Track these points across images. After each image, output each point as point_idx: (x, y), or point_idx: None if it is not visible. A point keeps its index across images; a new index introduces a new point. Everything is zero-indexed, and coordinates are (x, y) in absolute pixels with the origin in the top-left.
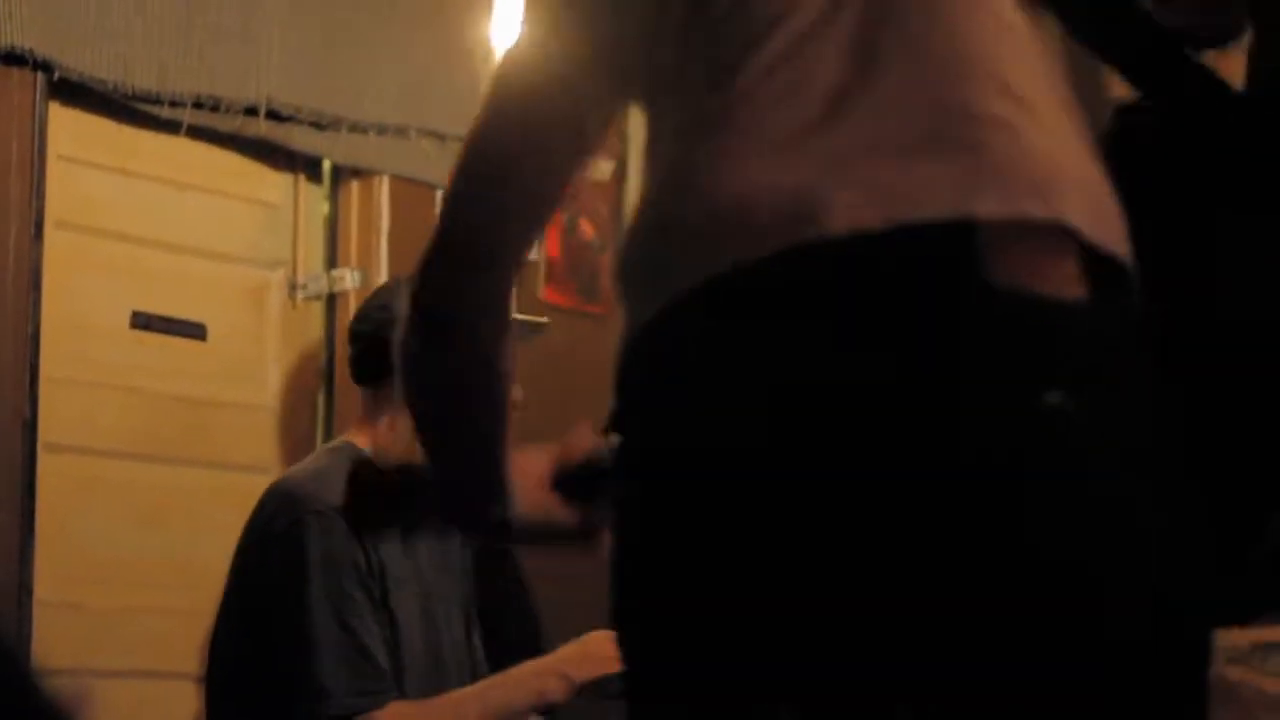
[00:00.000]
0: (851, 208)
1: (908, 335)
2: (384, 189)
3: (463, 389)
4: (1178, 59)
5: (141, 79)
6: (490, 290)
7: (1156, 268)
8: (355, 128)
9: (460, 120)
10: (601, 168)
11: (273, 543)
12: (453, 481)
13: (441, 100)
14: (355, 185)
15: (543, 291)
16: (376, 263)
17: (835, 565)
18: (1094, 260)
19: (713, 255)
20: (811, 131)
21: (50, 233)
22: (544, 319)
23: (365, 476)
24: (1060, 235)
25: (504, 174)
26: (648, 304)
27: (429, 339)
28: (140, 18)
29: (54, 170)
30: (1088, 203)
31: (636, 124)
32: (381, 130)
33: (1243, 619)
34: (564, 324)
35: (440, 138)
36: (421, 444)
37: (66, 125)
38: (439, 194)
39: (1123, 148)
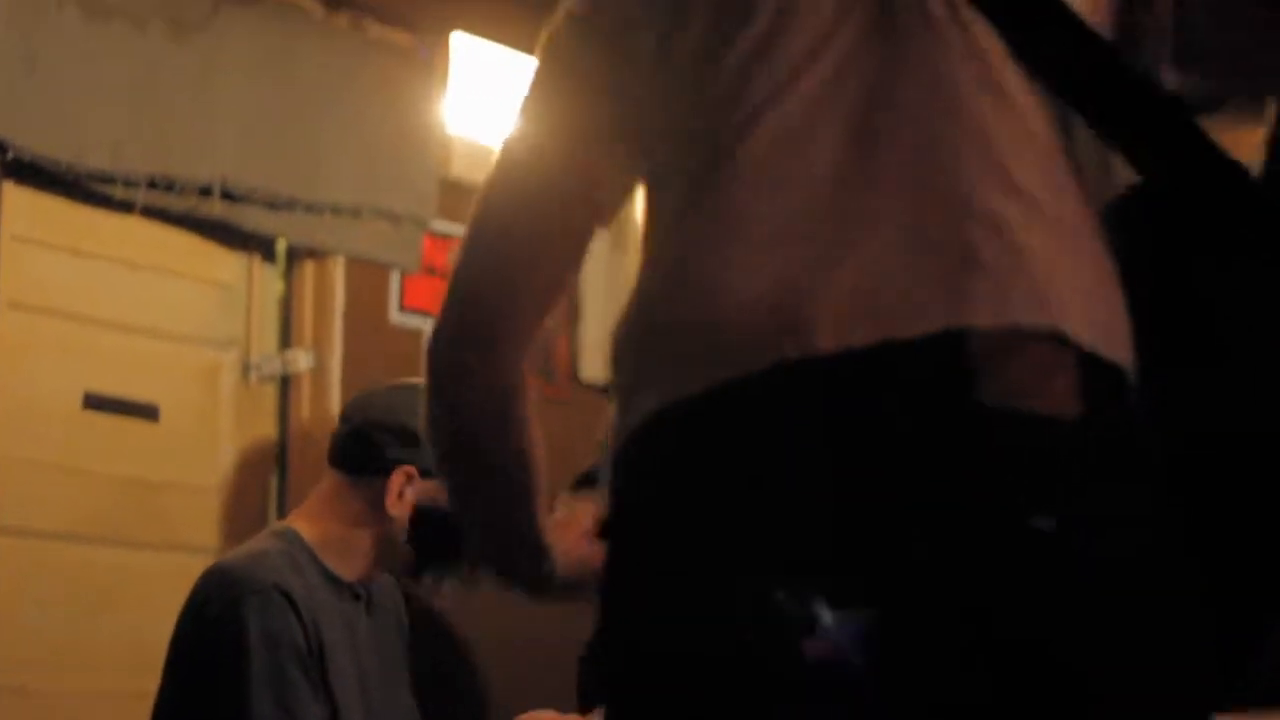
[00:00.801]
0: (839, 322)
1: (894, 462)
2: (338, 270)
3: (482, 456)
4: (1185, 136)
5: (95, 159)
6: (499, 365)
7: (1158, 355)
8: (310, 208)
9: (414, 201)
10: None
11: (211, 624)
12: (489, 543)
13: (396, 181)
14: (310, 266)
15: None
16: (330, 343)
17: (819, 697)
18: (1092, 368)
19: (701, 364)
20: (804, 227)
21: (2, 313)
22: None
23: (428, 515)
24: (1057, 345)
25: (504, 266)
26: (638, 402)
27: (444, 410)
28: (94, 98)
29: (7, 250)
30: (1087, 307)
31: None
32: (336, 211)
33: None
34: None
35: (394, 219)
36: (455, 507)
37: (20, 205)
38: (393, 274)
39: (1128, 232)
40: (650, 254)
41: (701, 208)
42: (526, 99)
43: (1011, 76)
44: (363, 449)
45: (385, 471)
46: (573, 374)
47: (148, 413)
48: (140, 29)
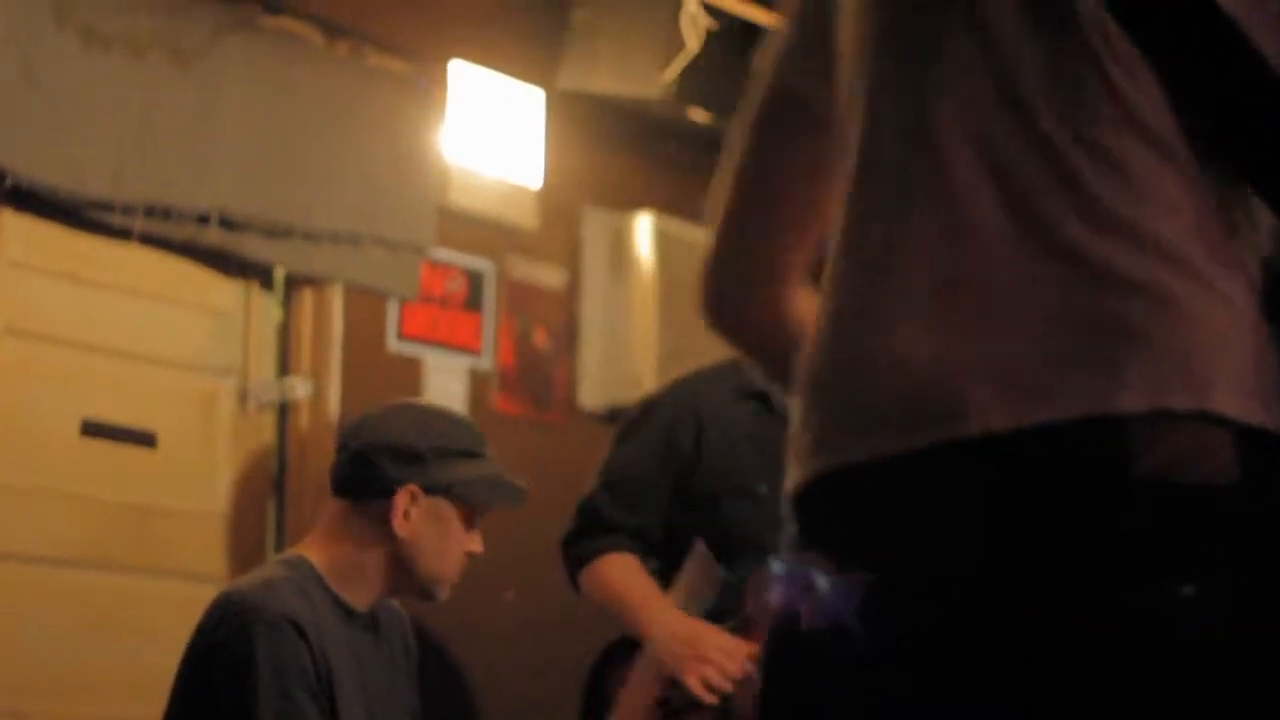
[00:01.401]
0: (990, 405)
1: (1043, 541)
2: (336, 297)
3: (774, 361)
4: None
5: (94, 186)
6: (766, 294)
7: None
8: (308, 236)
9: (413, 229)
10: (556, 276)
11: (220, 650)
12: None
13: (394, 210)
14: (308, 293)
15: (495, 400)
16: (329, 371)
17: None
18: (1249, 440)
19: (862, 433)
20: (964, 293)
21: (0, 339)
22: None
23: None
24: (1211, 423)
25: (758, 204)
26: (807, 455)
27: (725, 333)
28: (94, 126)
29: (4, 277)
30: (1243, 377)
31: (591, 232)
32: (334, 239)
33: None
34: (516, 433)
35: (393, 247)
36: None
37: (18, 232)
38: (391, 302)
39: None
40: (826, 286)
41: (867, 254)
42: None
43: (1168, 121)
44: (364, 473)
45: (388, 493)
46: (570, 401)
47: (146, 440)
48: (140, 57)
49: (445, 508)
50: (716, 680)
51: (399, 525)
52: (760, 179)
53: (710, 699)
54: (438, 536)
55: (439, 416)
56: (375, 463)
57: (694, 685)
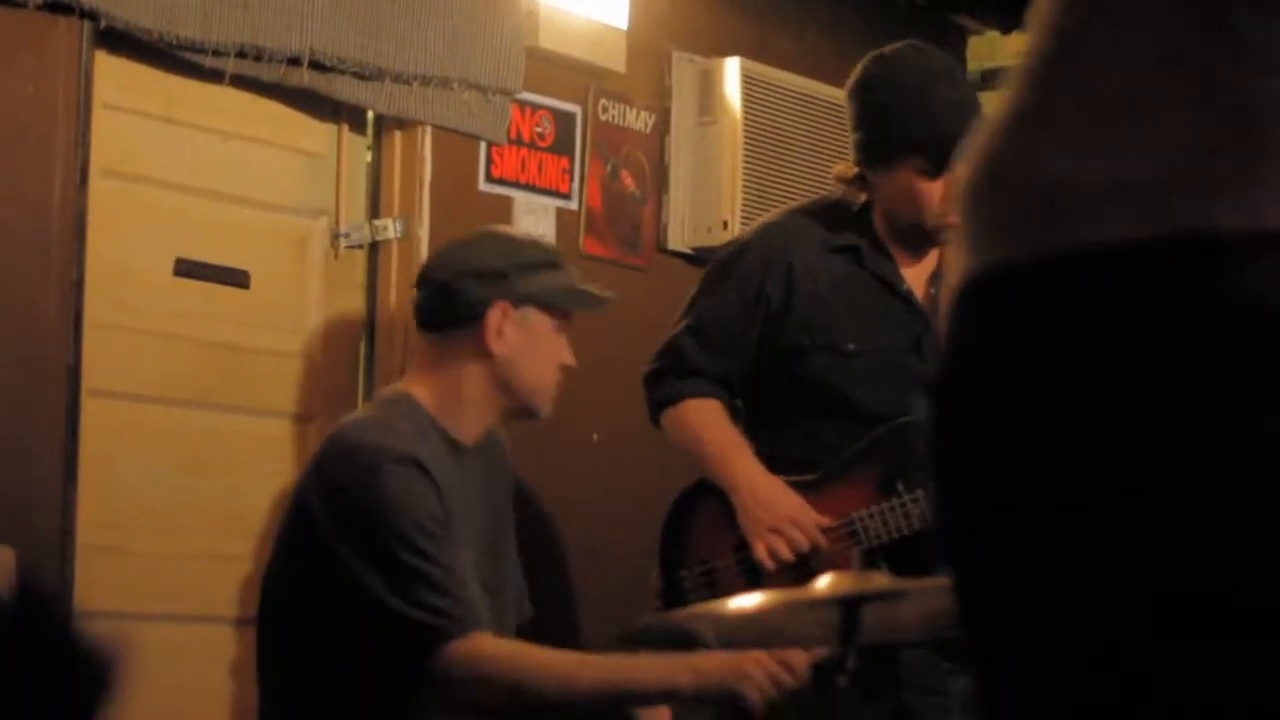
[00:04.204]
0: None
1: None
2: (426, 139)
3: None
4: None
5: (186, 28)
6: None
7: None
8: (398, 78)
9: (502, 72)
10: (643, 120)
11: (344, 493)
12: None
13: (484, 52)
14: (398, 136)
15: (583, 242)
16: (418, 212)
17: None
18: None
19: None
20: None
21: (95, 181)
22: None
23: None
24: None
25: None
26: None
27: None
28: None
29: (99, 118)
30: None
31: (679, 76)
32: (425, 81)
33: None
34: (604, 275)
35: (482, 89)
36: None
37: (112, 74)
38: (481, 144)
39: None
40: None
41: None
42: None
43: None
44: (452, 301)
45: (479, 315)
46: (658, 244)
47: (238, 279)
48: None
49: (535, 318)
50: (782, 553)
51: (494, 343)
52: None
53: (772, 568)
54: (532, 348)
55: (513, 237)
56: (462, 289)
57: (759, 553)
